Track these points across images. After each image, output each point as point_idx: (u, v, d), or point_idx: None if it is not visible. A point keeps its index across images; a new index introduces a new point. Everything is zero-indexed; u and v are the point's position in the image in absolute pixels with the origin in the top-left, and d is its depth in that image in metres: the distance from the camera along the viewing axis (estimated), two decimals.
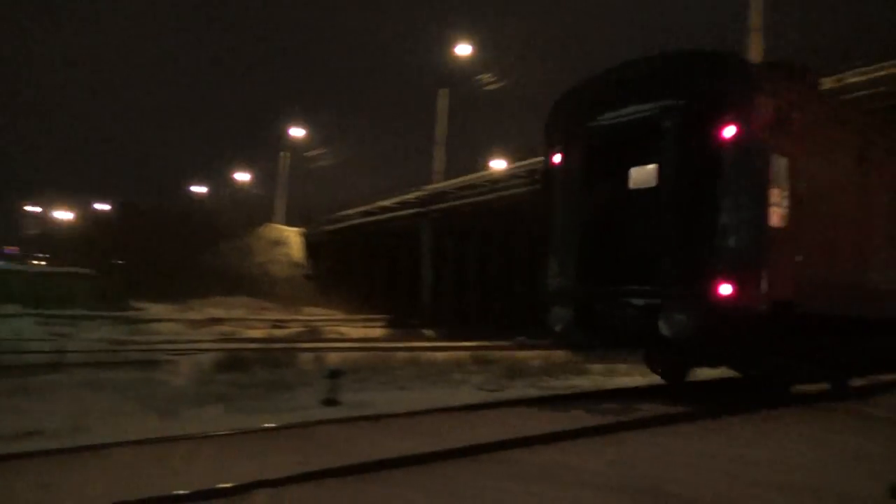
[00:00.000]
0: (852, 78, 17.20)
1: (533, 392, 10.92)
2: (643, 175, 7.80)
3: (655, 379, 11.54)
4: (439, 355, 15.79)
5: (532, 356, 16.12)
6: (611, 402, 9.50)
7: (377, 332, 30.16)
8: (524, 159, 26.74)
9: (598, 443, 6.46)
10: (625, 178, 7.94)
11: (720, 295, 7.08)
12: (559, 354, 16.83)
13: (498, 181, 27.91)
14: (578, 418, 7.94)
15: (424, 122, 37.63)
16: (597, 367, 15.02)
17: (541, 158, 25.28)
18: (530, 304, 24.62)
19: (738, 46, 21.54)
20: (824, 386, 9.54)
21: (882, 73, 16.30)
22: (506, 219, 28.38)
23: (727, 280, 7.07)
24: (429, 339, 25.35)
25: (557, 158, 8.69)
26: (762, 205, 7.23)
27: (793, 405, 8.94)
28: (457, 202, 30.64)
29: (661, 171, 7.63)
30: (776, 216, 7.33)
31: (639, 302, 7.71)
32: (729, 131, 7.09)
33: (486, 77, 37.16)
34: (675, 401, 9.03)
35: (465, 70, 36.26)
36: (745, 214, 7.17)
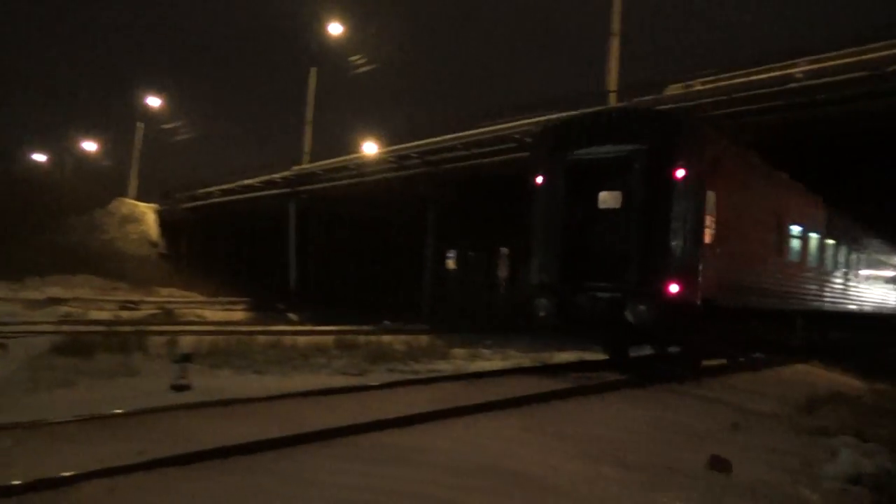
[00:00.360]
0: (699, 86, 18.57)
1: (396, 376, 10.96)
2: (610, 198, 9.94)
3: (518, 363, 12.84)
4: (302, 339, 15.45)
5: (397, 341, 16.18)
6: (471, 384, 9.72)
7: (239, 315, 29.07)
8: (395, 144, 26.72)
9: (451, 425, 6.57)
10: (595, 199, 10.03)
11: (670, 292, 9.34)
12: (423, 339, 17.04)
13: (369, 165, 27.66)
14: (437, 401, 8.04)
15: (297, 100, 36.46)
16: (460, 351, 15.36)
17: (411, 144, 25.54)
18: (402, 290, 24.92)
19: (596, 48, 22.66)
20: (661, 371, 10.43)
21: (724, 83, 17.70)
22: (379, 205, 28.25)
23: (675, 281, 9.35)
24: (293, 323, 24.78)
25: (540, 180, 10.70)
26: (700, 227, 9.55)
27: (653, 384, 9.71)
28: (326, 184, 30.07)
29: (625, 197, 9.76)
30: (708, 236, 9.67)
31: (607, 296, 9.73)
32: (679, 173, 9.39)
33: (357, 59, 36.70)
34: (543, 380, 9.41)
35: (336, 50, 35.59)
36: (688, 234, 9.44)
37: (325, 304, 29.53)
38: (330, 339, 15.59)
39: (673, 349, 10.92)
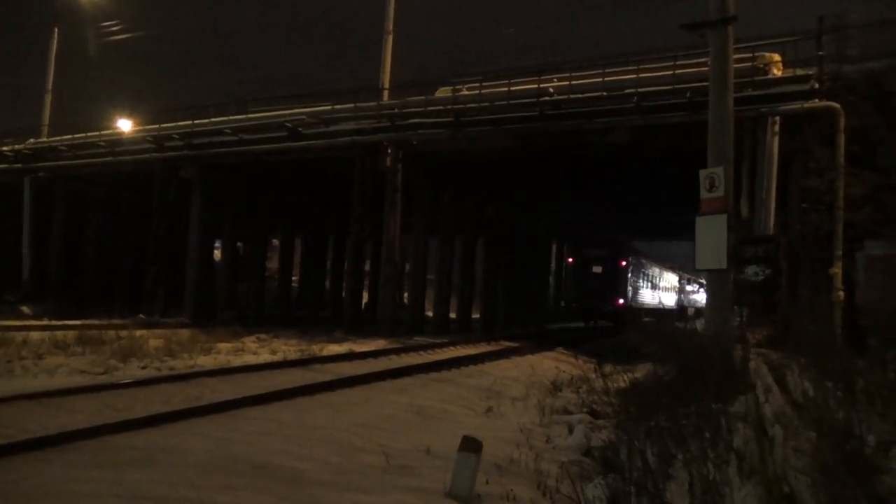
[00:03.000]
0: (466, 91, 19.63)
1: (149, 374, 10.11)
2: (596, 269, 28.32)
3: (286, 356, 12.88)
4: (36, 335, 13.63)
5: (153, 335, 14.95)
6: (233, 379, 9.32)
7: None
8: (159, 123, 24.58)
9: (207, 422, 6.24)
10: (591, 268, 28.45)
11: (618, 303, 28.08)
12: (184, 334, 15.96)
13: (123, 143, 25.13)
14: (194, 398, 7.58)
15: (35, 64, 31.88)
16: (224, 346, 14.63)
17: (173, 124, 23.75)
18: (163, 281, 23.00)
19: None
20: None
21: (487, 90, 18.89)
22: (138, 188, 25.81)
23: (619, 298, 28.26)
24: (25, 316, 21.74)
25: (570, 260, 31.67)
26: (626, 281, 29.13)
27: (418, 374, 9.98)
28: (72, 162, 26.75)
29: (602, 270, 28.21)
30: (627, 284, 29.28)
31: (595, 302, 27.86)
32: (623, 263, 28.80)
33: (113, 24, 33.15)
34: (309, 373, 9.24)
35: (87, 12, 31.84)
36: (622, 283, 28.68)
37: (69, 295, 26.37)
38: (72, 334, 13.92)
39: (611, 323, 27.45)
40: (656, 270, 36.45)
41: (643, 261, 32.72)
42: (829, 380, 4.11)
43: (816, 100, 13.32)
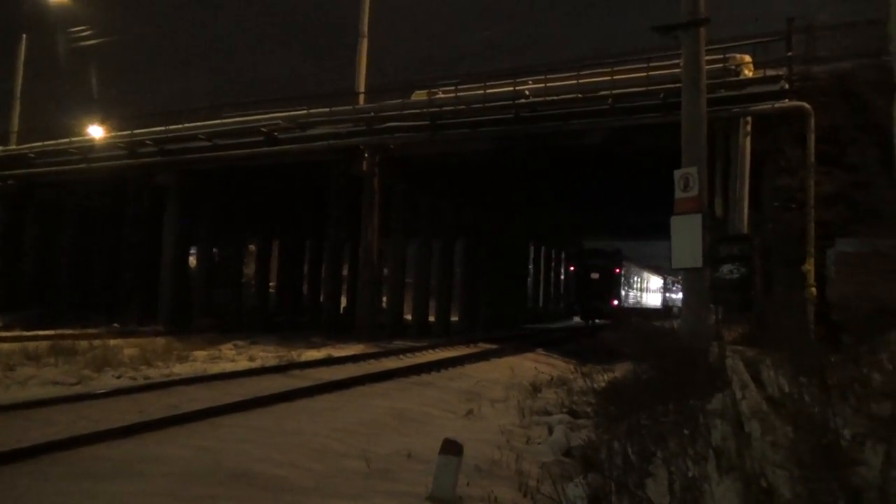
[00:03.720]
0: (442, 94, 19.66)
1: (124, 383, 9.97)
2: (595, 276, 31.80)
3: (264, 363, 12.64)
4: (6, 346, 13.37)
5: (128, 344, 14.73)
6: (211, 387, 9.23)
7: None
8: (132, 129, 24.23)
9: (185, 430, 6.16)
10: (590, 274, 31.97)
11: (612, 303, 31.09)
12: (160, 342, 15.75)
13: (96, 150, 24.73)
14: (171, 407, 7.49)
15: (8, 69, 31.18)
16: (201, 353, 14.48)
17: (147, 129, 23.44)
18: (138, 289, 22.66)
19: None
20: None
21: (463, 93, 18.96)
22: (112, 195, 25.42)
23: (613, 299, 31.63)
24: None
25: (572, 268, 34.50)
26: (620, 285, 32.94)
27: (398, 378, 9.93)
28: (43, 170, 26.28)
29: (600, 276, 31.72)
30: (620, 287, 33.09)
31: (594, 303, 31.28)
32: (617, 270, 32.53)
33: (83, 29, 32.53)
34: (290, 379, 9.17)
35: (58, 17, 31.31)
36: (616, 287, 32.33)
37: (42, 305, 25.91)
38: (45, 344, 13.67)
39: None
40: (644, 275, 43.16)
41: (633, 268, 39.10)
42: (804, 375, 4.17)
43: (787, 100, 13.52)
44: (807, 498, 2.61)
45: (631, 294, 37.14)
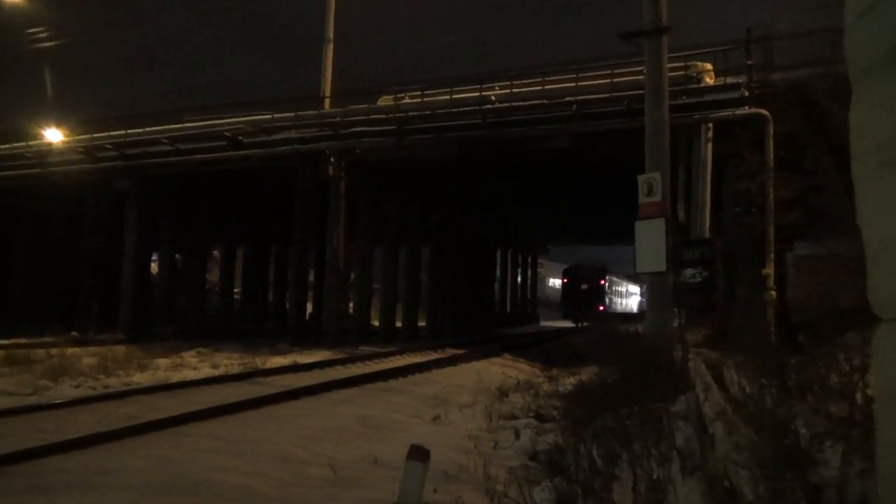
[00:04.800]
0: (408, 99, 19.63)
1: (82, 393, 9.70)
2: (584, 286, 40.19)
3: (228, 371, 12.31)
4: None
5: (86, 353, 14.38)
6: (172, 396, 9.04)
7: None
8: (91, 132, 23.68)
9: (146, 440, 6.02)
10: (581, 285, 40.37)
11: (599, 308, 38.98)
12: (120, 350, 15.40)
13: (53, 154, 24.10)
14: (130, 417, 7.31)
15: None
16: (163, 361, 14.19)
17: (106, 133, 22.94)
18: (98, 296, 22.13)
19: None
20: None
21: (430, 98, 18.97)
22: (70, 200, 24.79)
23: (599, 305, 40.02)
24: None
25: (566, 280, 42.65)
26: (604, 293, 42.97)
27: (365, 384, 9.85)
28: None
29: (588, 287, 40.25)
30: (605, 296, 43.22)
31: (585, 310, 35.07)
32: (602, 282, 42.13)
33: (37, 31, 31.70)
34: (254, 387, 9.00)
35: (12, 18, 30.49)
36: (601, 294, 41.86)
37: None
38: None
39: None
40: (624, 284, 54.35)
41: (615, 279, 49.08)
42: (765, 377, 4.23)
43: (747, 107, 13.82)
44: (769, 497, 2.64)
45: (615, 300, 48.77)
